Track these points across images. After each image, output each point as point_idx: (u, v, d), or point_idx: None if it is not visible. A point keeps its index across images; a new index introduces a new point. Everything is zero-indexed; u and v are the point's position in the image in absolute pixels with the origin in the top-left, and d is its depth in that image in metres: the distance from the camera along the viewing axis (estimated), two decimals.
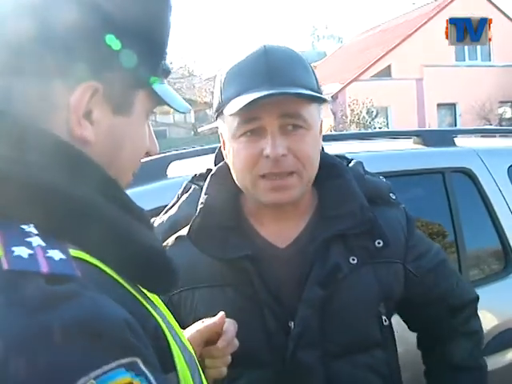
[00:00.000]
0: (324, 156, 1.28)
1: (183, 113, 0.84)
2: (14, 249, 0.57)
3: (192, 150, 2.29)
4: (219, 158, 1.34)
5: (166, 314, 0.75)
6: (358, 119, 17.52)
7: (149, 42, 0.72)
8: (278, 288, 1.22)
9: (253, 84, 1.14)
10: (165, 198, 1.72)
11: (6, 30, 0.65)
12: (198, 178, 1.38)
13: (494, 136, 3.20)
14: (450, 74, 19.49)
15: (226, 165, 1.28)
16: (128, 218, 0.68)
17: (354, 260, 1.23)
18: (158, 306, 0.73)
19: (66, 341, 0.52)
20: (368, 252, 1.25)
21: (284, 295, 1.22)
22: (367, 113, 18.10)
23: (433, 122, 19.43)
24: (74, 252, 0.61)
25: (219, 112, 1.22)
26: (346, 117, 17.99)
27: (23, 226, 0.60)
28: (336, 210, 1.25)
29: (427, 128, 18.22)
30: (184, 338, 0.77)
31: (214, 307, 1.16)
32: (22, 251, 0.57)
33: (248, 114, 1.15)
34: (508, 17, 21.21)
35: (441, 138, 2.50)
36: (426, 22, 20.29)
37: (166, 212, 1.37)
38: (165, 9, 0.74)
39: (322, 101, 1.21)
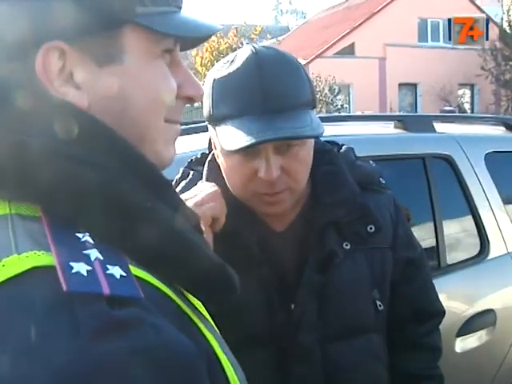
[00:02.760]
0: (316, 142, 1.28)
1: (199, 37, 0.70)
2: (72, 264, 0.49)
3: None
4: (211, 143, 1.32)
5: (210, 322, 0.68)
6: (321, 96, 17.55)
7: None
8: (281, 271, 1.25)
9: (246, 108, 1.11)
10: None
11: None
12: (195, 164, 1.37)
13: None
14: (412, 54, 19.69)
15: None
16: (186, 224, 0.62)
17: (347, 245, 1.26)
18: (203, 316, 0.66)
19: (128, 373, 0.46)
20: (360, 237, 1.28)
21: (286, 278, 1.25)
22: (329, 90, 18.14)
23: (394, 102, 19.64)
24: (132, 269, 0.54)
25: (210, 122, 1.19)
26: None
27: (78, 235, 0.53)
28: (329, 197, 1.27)
29: (388, 107, 18.47)
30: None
31: None
32: (81, 268, 0.49)
33: None
34: None
35: (422, 124, 2.53)
36: (391, 1, 20.39)
37: None
38: None
39: (317, 136, 1.19)
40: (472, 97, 22.00)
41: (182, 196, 1.19)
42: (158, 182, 0.63)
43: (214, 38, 21.36)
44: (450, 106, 17.68)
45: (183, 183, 1.32)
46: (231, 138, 1.11)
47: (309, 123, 1.13)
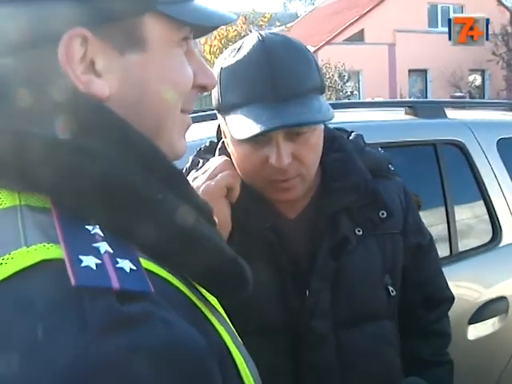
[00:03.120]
0: (325, 129, 1.27)
1: (214, 26, 0.70)
2: (81, 258, 0.48)
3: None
4: (221, 132, 1.31)
5: (223, 315, 0.67)
6: (330, 83, 17.47)
7: None
8: (295, 258, 1.25)
9: (255, 95, 1.10)
10: None
11: None
12: (204, 152, 1.36)
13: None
14: (422, 40, 19.54)
15: None
16: (201, 219, 0.61)
17: (359, 231, 1.26)
18: (216, 309, 0.65)
19: (136, 369, 0.45)
20: (373, 223, 1.28)
21: (299, 265, 1.25)
22: (339, 77, 18.06)
23: (404, 88, 19.53)
24: (142, 261, 0.53)
25: (219, 111, 1.19)
26: None
27: (88, 227, 0.52)
28: (340, 183, 1.27)
29: (398, 93, 18.36)
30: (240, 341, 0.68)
31: None
32: (90, 261, 0.48)
33: None
34: None
35: (433, 110, 2.51)
36: None
37: None
38: None
39: (327, 121, 1.16)
40: (483, 82, 21.82)
41: (194, 174, 1.21)
42: (170, 174, 0.62)
43: None
44: (461, 91, 17.58)
45: (193, 172, 1.31)
46: (241, 126, 1.10)
47: (318, 109, 1.12)
